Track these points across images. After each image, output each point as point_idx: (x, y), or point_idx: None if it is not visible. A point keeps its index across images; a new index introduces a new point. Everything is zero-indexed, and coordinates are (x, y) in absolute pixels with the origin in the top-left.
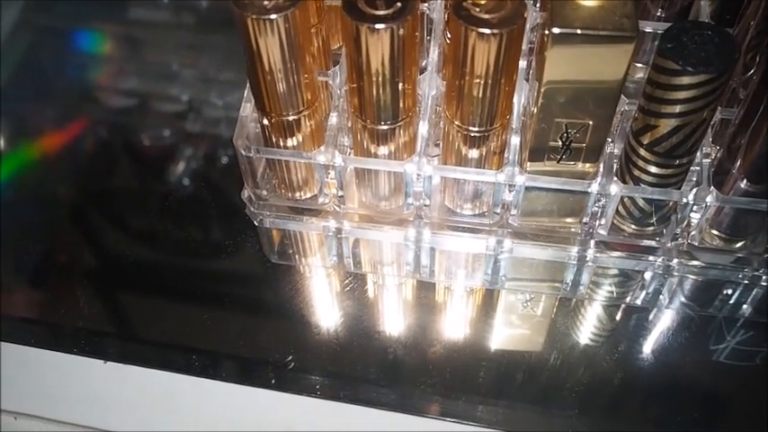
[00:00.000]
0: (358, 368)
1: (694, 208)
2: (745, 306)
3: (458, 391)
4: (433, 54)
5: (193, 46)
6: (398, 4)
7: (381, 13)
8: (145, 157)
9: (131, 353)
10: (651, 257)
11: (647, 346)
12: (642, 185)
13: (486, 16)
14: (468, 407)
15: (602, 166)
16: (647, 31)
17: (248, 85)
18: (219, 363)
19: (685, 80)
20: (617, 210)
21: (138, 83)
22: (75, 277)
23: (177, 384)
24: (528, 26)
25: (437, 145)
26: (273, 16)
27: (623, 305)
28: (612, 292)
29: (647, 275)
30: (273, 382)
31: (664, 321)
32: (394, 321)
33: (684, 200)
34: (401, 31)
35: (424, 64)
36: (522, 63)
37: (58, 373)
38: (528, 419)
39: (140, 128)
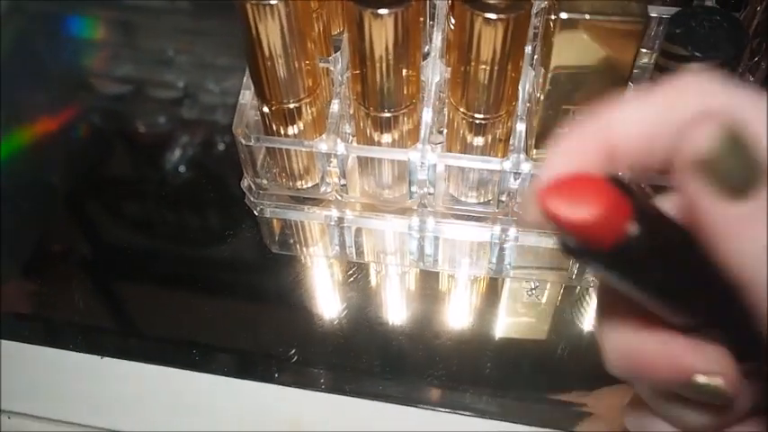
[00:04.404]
0: (363, 361)
1: None
2: None
3: (465, 383)
4: (437, 39)
5: (189, 31)
6: None
7: None
8: (140, 145)
9: (129, 348)
10: None
11: None
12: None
13: (493, 1)
14: (476, 399)
15: None
16: (652, 15)
17: (247, 72)
18: (220, 357)
19: (694, 66)
20: None
21: (133, 69)
22: (70, 270)
23: (177, 380)
24: (533, 11)
25: (441, 132)
26: (274, 1)
27: None
28: None
29: None
30: (277, 376)
31: None
32: (398, 312)
33: None
34: (405, 17)
35: (426, 50)
36: (527, 49)
37: (54, 370)
38: (537, 410)
39: (136, 115)
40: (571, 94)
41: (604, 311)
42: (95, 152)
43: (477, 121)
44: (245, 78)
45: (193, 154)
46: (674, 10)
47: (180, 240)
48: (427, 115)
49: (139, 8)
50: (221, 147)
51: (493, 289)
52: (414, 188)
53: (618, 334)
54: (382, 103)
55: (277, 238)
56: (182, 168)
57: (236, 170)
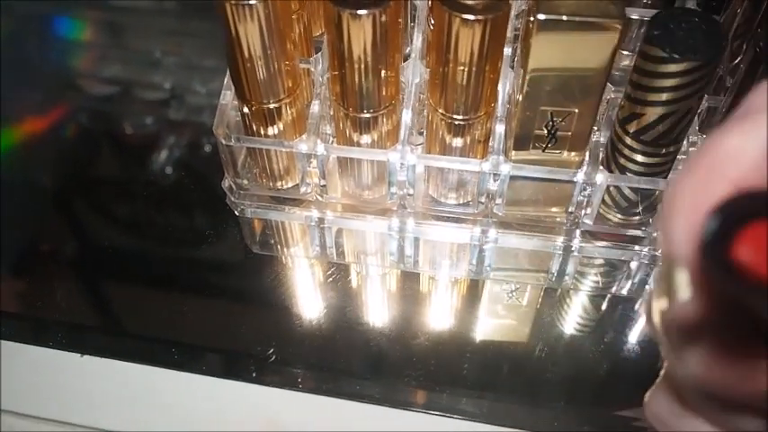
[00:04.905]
0: (341, 361)
1: None
2: None
3: (442, 384)
4: (417, 41)
5: (176, 32)
6: None
7: None
8: (127, 146)
9: (109, 346)
10: (637, 247)
11: (633, 336)
12: (628, 174)
13: (471, 2)
14: (453, 400)
15: (587, 154)
16: (633, 17)
17: (228, 72)
18: (199, 356)
19: (672, 68)
20: (603, 199)
21: (121, 70)
22: (53, 268)
23: (156, 378)
24: (513, 12)
25: (421, 133)
26: (253, 2)
27: (609, 295)
28: (598, 282)
29: (633, 265)
30: (255, 375)
31: None
32: (378, 313)
33: None
34: (384, 18)
35: (407, 51)
36: (507, 50)
37: (38, 367)
38: (514, 411)
39: (123, 115)
40: (549, 95)
41: (703, 331)
42: (83, 152)
43: (457, 123)
44: (226, 78)
45: (180, 155)
46: (655, 12)
47: (163, 240)
48: (407, 116)
49: (127, 9)
50: (207, 148)
51: (473, 290)
52: (393, 189)
53: (707, 351)
54: (361, 104)
55: (258, 239)
56: (168, 169)
57: (220, 171)
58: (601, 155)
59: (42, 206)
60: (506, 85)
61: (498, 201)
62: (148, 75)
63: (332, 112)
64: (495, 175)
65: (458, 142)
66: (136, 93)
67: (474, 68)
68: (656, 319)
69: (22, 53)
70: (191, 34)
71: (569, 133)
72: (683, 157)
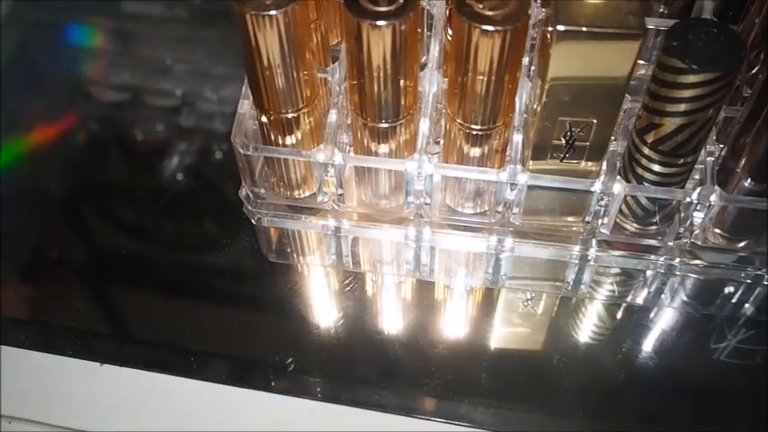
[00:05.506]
0: (359, 370)
1: (698, 207)
2: (746, 305)
3: (460, 393)
4: (434, 50)
5: (187, 39)
6: (400, 0)
7: (383, 9)
8: (138, 153)
9: (128, 355)
10: (653, 256)
11: (649, 346)
12: (645, 184)
13: (490, 13)
14: (471, 409)
15: (605, 164)
16: (649, 27)
17: (246, 81)
18: (218, 365)
19: (691, 78)
20: (620, 209)
21: (131, 77)
22: (69, 276)
23: (175, 387)
24: (530, 22)
25: (438, 143)
26: (273, 12)
27: (625, 304)
28: (614, 292)
29: (650, 274)
30: (273, 384)
31: (666, 320)
32: (394, 321)
33: (688, 199)
34: (403, 28)
35: (424, 60)
36: (525, 60)
37: (53, 375)
38: (531, 421)
39: (133, 123)
40: (568, 106)
41: None
42: (93, 159)
43: (474, 132)
44: (243, 88)
45: (191, 162)
46: (671, 22)
47: (178, 248)
48: (424, 126)
49: (137, 17)
50: (219, 155)
51: (489, 299)
52: (410, 198)
53: None
54: (380, 114)
55: (274, 247)
56: (180, 176)
57: (234, 178)
58: (618, 165)
59: (56, 214)
60: (523, 95)
61: (515, 210)
62: (159, 82)
63: (349, 122)
64: (512, 184)
65: (475, 152)
66: (147, 100)
67: (493, 78)
68: None
69: (33, 61)
70: (201, 41)
71: (587, 143)
72: (701, 166)
